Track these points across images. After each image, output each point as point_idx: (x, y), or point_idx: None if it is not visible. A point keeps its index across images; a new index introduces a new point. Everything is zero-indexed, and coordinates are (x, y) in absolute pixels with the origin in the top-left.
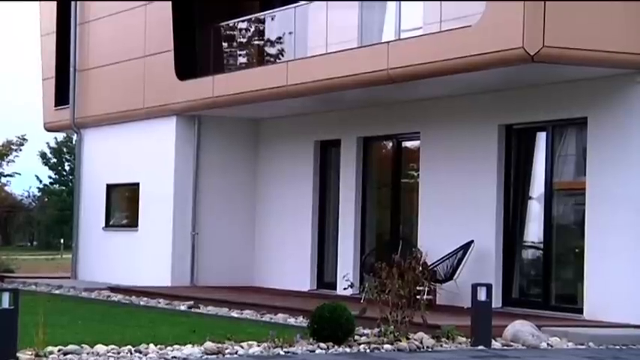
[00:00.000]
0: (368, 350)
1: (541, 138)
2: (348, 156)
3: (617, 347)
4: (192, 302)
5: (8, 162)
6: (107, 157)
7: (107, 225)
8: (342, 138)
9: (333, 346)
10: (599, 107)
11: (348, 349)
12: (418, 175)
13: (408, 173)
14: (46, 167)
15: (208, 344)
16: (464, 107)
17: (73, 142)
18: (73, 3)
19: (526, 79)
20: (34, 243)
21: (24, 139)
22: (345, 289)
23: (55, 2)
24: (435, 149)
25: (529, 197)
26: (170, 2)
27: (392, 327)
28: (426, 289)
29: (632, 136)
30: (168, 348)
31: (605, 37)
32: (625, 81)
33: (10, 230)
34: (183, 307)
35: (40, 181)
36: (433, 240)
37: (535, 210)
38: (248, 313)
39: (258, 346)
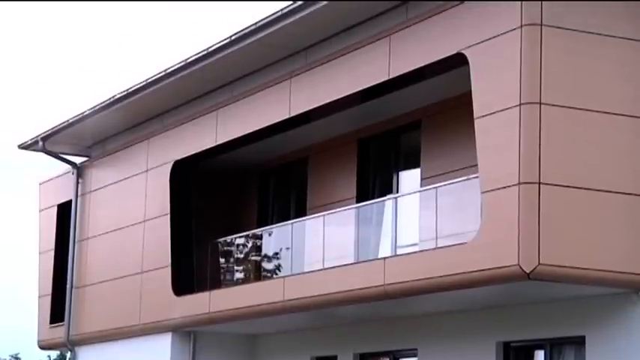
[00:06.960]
0: None
1: (539, 356)
2: None
3: None
4: None
5: None
6: None
7: None
8: (339, 354)
9: None
10: (597, 326)
11: None
12: None
13: None
14: None
15: None
16: (461, 324)
17: None
18: (72, 221)
19: (523, 296)
20: None
21: (17, 358)
22: None
23: (55, 221)
24: None
25: None
26: (169, 219)
27: None
28: None
29: (630, 357)
30: None
31: (602, 257)
32: (623, 300)
33: None
34: None
35: None
36: None
37: None
38: None
39: None
